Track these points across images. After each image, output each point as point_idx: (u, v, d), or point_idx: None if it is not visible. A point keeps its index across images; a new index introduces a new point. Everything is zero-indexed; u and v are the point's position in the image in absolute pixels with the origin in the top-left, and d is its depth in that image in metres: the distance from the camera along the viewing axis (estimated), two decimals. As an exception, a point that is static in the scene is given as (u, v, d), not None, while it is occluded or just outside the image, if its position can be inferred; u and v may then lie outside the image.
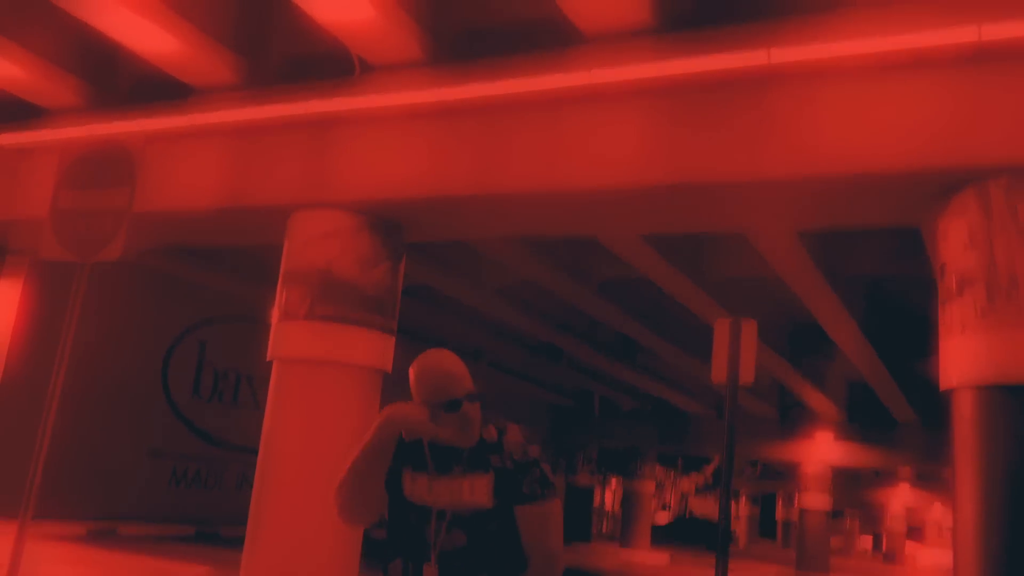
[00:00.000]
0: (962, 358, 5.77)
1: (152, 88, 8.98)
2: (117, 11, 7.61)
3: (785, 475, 40.63)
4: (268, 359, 8.07)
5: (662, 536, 36.29)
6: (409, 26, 7.48)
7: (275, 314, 8.05)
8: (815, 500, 26.29)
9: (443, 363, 2.43)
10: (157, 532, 17.02)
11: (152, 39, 8.01)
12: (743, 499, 49.25)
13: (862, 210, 7.12)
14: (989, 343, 5.59)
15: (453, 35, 7.78)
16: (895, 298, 16.30)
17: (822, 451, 25.69)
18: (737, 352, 7.28)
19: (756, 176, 6.48)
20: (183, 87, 8.73)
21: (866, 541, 59.03)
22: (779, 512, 49.14)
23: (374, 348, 7.89)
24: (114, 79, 9.22)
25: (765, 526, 52.25)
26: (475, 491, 2.37)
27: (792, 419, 26.40)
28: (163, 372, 18.57)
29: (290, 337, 7.88)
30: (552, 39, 7.35)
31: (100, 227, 5.62)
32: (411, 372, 2.44)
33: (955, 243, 6.01)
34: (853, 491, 42.06)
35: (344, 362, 7.78)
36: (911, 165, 6.01)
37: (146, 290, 17.52)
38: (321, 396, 7.75)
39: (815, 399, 22.19)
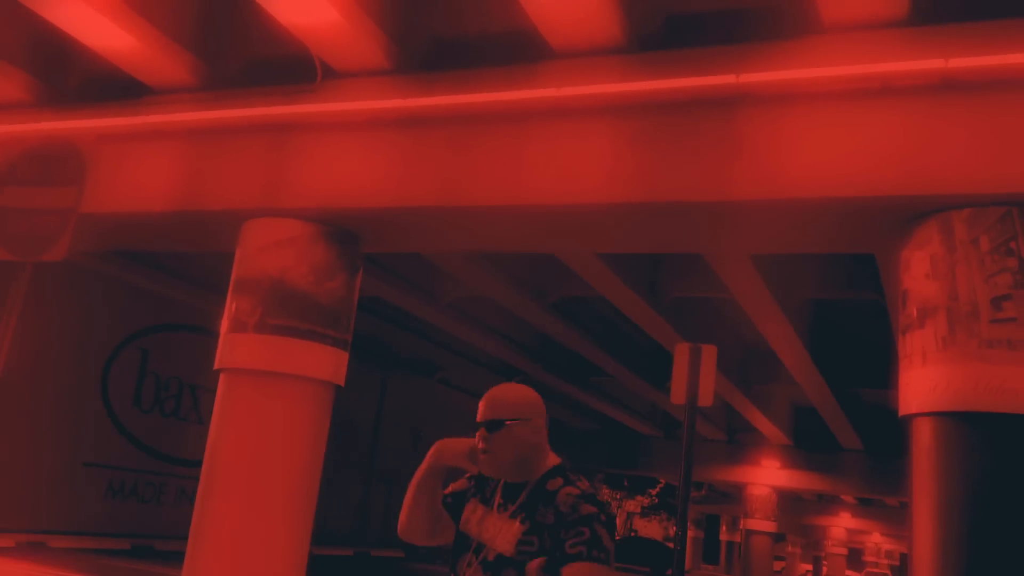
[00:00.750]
0: (922, 386, 5.77)
1: (105, 86, 8.68)
2: (73, 5, 7.34)
3: (730, 498, 40.94)
4: (215, 369, 7.80)
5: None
6: (375, 33, 7.33)
7: (224, 323, 7.79)
8: (760, 524, 26.47)
9: (498, 388, 2.49)
10: (90, 546, 16.41)
11: (108, 36, 7.75)
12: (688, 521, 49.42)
13: (823, 235, 7.14)
14: (950, 373, 5.59)
15: (420, 44, 7.65)
16: (844, 324, 16.53)
17: (768, 475, 25.91)
18: (696, 376, 7.24)
19: (720, 197, 6.45)
20: (138, 86, 8.46)
21: (807, 566, 59.69)
22: (723, 535, 49.46)
23: (327, 361, 7.67)
24: (65, 76, 8.90)
25: (709, 549, 52.54)
26: (505, 536, 2.32)
27: (739, 442, 26.61)
28: (102, 380, 17.95)
29: (239, 347, 7.62)
30: (522, 54, 7.26)
31: (45, 226, 5.37)
32: None
33: (917, 272, 6.03)
34: (796, 515, 42.51)
35: (295, 375, 7.54)
36: (875, 192, 6.02)
37: (87, 294, 16.92)
38: (270, 409, 7.50)
39: (762, 423, 22.38)
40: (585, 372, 20.72)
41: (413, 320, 17.31)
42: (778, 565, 53.79)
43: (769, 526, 26.52)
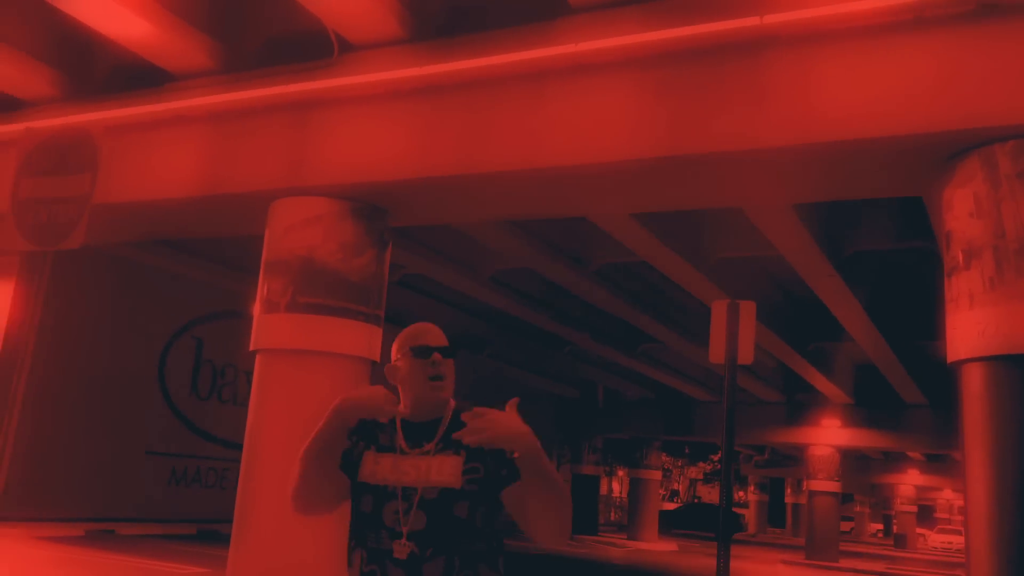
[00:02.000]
0: (970, 330, 5.49)
1: (128, 76, 8.72)
2: (88, -4, 7.35)
3: (794, 461, 40.38)
4: (251, 350, 7.82)
5: (671, 524, 36.05)
6: (388, 2, 7.20)
7: (257, 305, 7.81)
8: (823, 484, 26.03)
9: (429, 324, 2.46)
10: (157, 532, 16.81)
11: (126, 24, 7.76)
12: (751, 486, 49.01)
13: (862, 179, 6.83)
14: (998, 314, 5.30)
15: (435, 10, 7.50)
16: (902, 275, 16.01)
17: (830, 435, 25.43)
18: (735, 333, 7.02)
19: (749, 145, 6.20)
20: (160, 73, 8.47)
21: (877, 525, 58.80)
22: (788, 498, 48.90)
23: (360, 338, 7.63)
24: (89, 68, 8.96)
25: (774, 513, 52.04)
26: (443, 471, 2.27)
27: (799, 403, 26.15)
28: (160, 370, 18.34)
29: (272, 328, 7.63)
30: (537, 11, 7.07)
31: (63, 214, 5.37)
32: (399, 339, 2.43)
33: (960, 212, 5.73)
34: (862, 475, 41.80)
35: (329, 352, 7.52)
36: (912, 129, 5.72)
37: (141, 287, 17.29)
38: (306, 388, 7.48)
39: (821, 383, 21.92)
40: (634, 339, 20.49)
41: (458, 295, 17.26)
42: (847, 525, 53.07)
43: (833, 486, 26.04)
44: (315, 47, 7.78)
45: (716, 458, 48.61)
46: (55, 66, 8.83)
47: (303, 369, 7.53)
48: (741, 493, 55.28)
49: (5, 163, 8.82)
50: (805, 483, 27.06)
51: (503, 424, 2.12)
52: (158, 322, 18.21)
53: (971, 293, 5.52)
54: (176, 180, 8.12)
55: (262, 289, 7.79)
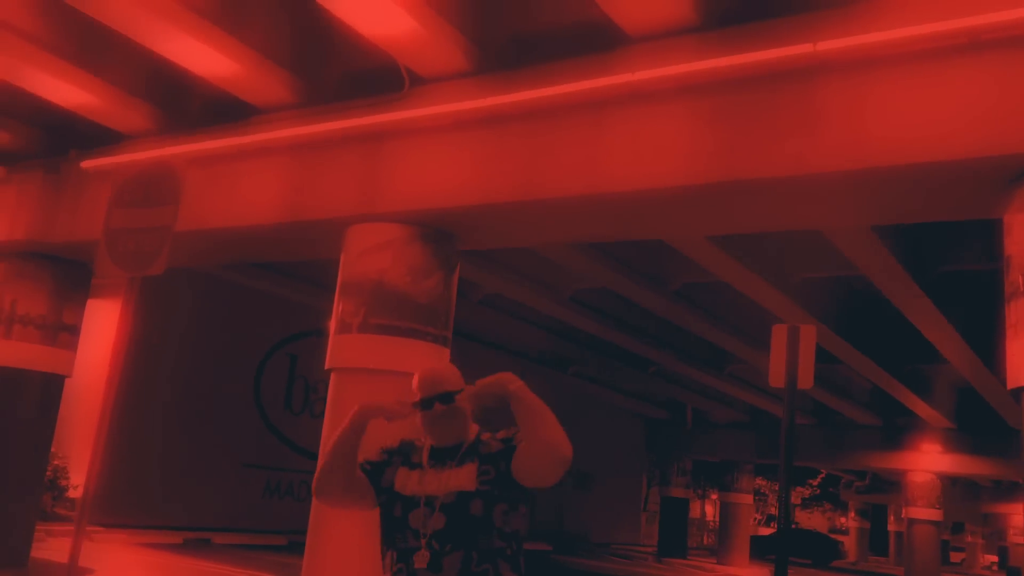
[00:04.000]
0: (1029, 358, 5.37)
1: (217, 110, 9.29)
2: (178, 37, 7.90)
3: (896, 487, 38.95)
4: (326, 369, 8.21)
5: (766, 549, 35.18)
6: (453, 36, 7.51)
7: (332, 325, 8.20)
8: (923, 512, 25.06)
9: (436, 366, 2.90)
10: (250, 542, 17.52)
11: (215, 64, 8.29)
12: (852, 512, 47.35)
13: (925, 203, 6.75)
14: (1056, 341, 5.18)
15: (497, 43, 7.77)
16: (998, 295, 15.41)
17: (930, 460, 24.50)
18: (795, 357, 7.01)
19: (805, 170, 6.22)
20: (245, 107, 9.00)
21: (991, 557, 55.95)
22: (891, 526, 47.11)
23: (427, 357, 7.91)
24: (182, 103, 9.59)
25: (876, 540, 50.13)
26: (460, 477, 2.66)
27: (898, 427, 25.29)
28: (255, 386, 19.17)
29: (345, 347, 8.00)
30: (596, 42, 7.25)
31: (147, 244, 5.83)
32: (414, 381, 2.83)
33: (1020, 237, 5.63)
34: (972, 503, 39.92)
35: (397, 371, 7.81)
36: (969, 154, 5.65)
37: (239, 306, 18.16)
38: (376, 406, 7.80)
39: (920, 406, 21.20)
40: (721, 360, 20.28)
41: (539, 314, 17.47)
42: (957, 556, 50.74)
43: (933, 514, 25.03)
44: (387, 81, 8.15)
45: (815, 482, 47.24)
46: (151, 102, 9.49)
47: (374, 387, 7.82)
48: (842, 519, 53.45)
49: (104, 193, 9.53)
50: (904, 510, 26.09)
51: (489, 376, 2.67)
52: (254, 340, 19.07)
53: (1030, 319, 5.40)
54: (259, 207, 8.62)
55: (337, 310, 8.18)
